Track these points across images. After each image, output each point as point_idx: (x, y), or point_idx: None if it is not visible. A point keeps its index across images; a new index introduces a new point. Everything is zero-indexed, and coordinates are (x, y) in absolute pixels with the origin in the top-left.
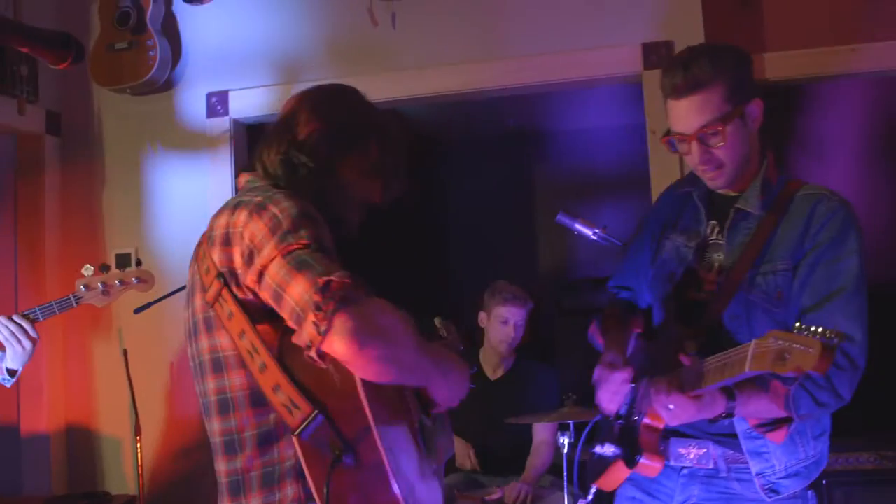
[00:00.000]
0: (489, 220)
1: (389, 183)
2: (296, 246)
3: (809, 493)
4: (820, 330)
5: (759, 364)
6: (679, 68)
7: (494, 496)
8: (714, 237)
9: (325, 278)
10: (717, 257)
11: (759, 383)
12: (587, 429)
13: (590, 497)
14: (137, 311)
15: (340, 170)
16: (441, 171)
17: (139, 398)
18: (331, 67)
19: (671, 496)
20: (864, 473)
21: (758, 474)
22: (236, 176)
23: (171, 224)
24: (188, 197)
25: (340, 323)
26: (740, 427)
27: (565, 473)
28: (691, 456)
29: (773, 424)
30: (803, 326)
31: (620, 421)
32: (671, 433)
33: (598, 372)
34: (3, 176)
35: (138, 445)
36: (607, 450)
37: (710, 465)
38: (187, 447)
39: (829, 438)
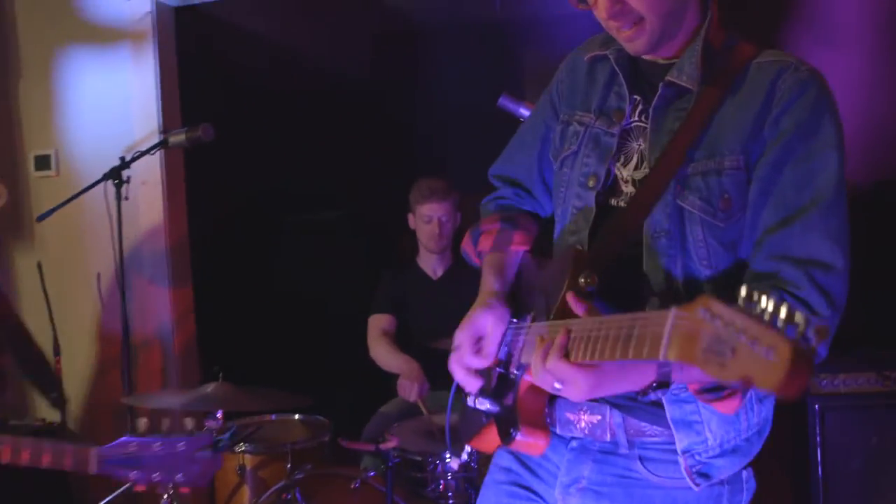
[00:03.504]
0: (473, 113)
1: None
2: None
3: (745, 473)
4: (784, 315)
5: (681, 352)
6: None
7: (389, 444)
8: (636, 119)
9: None
10: (638, 146)
11: None
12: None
13: (464, 457)
14: (40, 218)
15: None
16: (422, 60)
17: (58, 314)
18: None
19: (555, 475)
20: (864, 397)
21: (685, 452)
22: None
23: (91, 121)
24: (108, 91)
25: None
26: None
27: None
28: (582, 424)
29: (723, 389)
30: (754, 294)
31: (500, 368)
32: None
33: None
34: None
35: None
36: (481, 405)
37: (607, 438)
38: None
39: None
